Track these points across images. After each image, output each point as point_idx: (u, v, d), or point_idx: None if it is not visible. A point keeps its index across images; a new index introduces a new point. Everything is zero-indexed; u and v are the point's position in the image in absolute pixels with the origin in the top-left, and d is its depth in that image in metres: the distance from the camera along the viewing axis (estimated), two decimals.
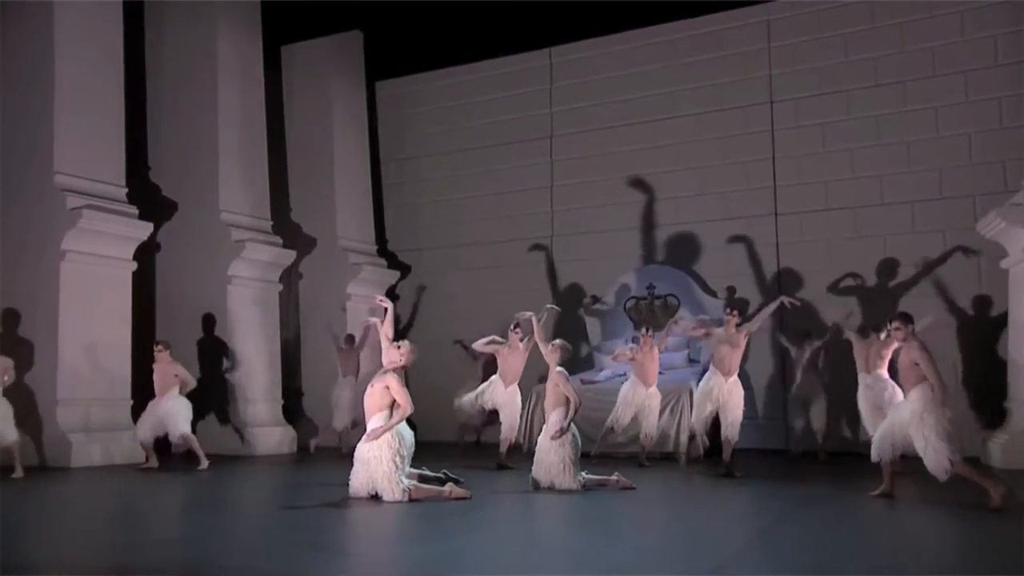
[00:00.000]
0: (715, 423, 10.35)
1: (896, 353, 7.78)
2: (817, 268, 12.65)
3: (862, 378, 9.39)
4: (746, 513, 6.91)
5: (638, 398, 10.69)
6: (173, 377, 10.05)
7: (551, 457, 7.79)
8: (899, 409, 6.93)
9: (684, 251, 13.44)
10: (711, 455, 11.19)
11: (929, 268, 11.83)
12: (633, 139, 13.94)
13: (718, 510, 7.11)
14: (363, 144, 15.25)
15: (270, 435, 12.28)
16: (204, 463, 9.88)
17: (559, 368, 8.02)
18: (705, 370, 12.12)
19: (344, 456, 11.30)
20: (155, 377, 10.05)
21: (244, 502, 7.65)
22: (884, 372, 9.23)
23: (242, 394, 12.19)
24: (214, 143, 12.71)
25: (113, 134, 11.41)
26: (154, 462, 9.94)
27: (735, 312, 9.65)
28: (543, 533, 6.06)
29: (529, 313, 9.29)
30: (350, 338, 12.48)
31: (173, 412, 9.91)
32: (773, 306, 9.94)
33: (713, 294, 13.14)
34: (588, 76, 14.36)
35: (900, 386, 7.17)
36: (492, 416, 11.02)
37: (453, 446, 12.49)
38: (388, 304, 7.94)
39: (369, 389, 7.24)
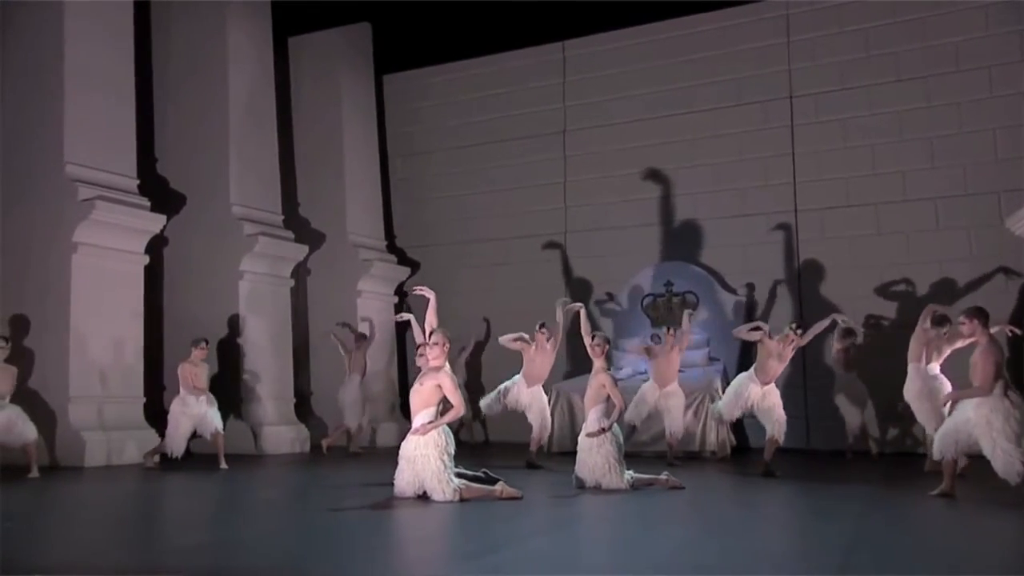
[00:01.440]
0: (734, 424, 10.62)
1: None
2: (838, 265, 12.58)
3: (915, 368, 9.11)
4: (818, 512, 6.71)
5: (652, 397, 10.62)
6: (207, 377, 9.98)
7: (594, 457, 7.61)
8: (963, 408, 6.78)
9: (702, 248, 13.31)
10: (735, 453, 11.25)
11: (975, 285, 11.69)
12: (648, 134, 13.81)
13: (786, 509, 6.98)
14: (372, 138, 15.03)
15: (282, 434, 12.04)
16: (224, 463, 9.72)
17: (607, 370, 7.80)
18: (725, 368, 12.20)
19: (352, 456, 11.19)
20: (192, 375, 9.81)
21: (288, 504, 7.36)
22: (937, 367, 9.06)
23: (254, 393, 11.93)
24: (224, 135, 12.45)
25: (124, 124, 11.16)
26: (154, 462, 9.74)
27: (799, 331, 9.41)
28: (623, 533, 5.85)
29: (579, 304, 9.13)
30: (360, 336, 12.26)
31: (213, 410, 9.82)
32: (825, 323, 9.75)
33: (732, 291, 13.02)
34: (602, 70, 14.21)
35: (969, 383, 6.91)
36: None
37: (461, 445, 12.24)
38: (430, 294, 7.72)
39: (417, 387, 7.04)
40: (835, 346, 11.29)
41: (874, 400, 11.19)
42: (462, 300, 14.63)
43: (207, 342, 10.13)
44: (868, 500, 7.13)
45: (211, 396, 9.92)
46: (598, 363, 7.79)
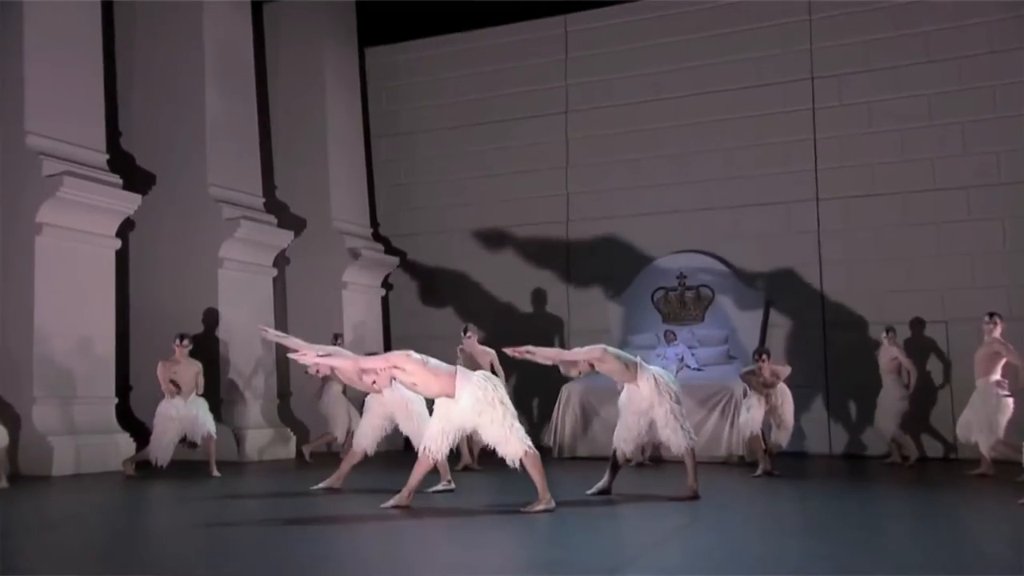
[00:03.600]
0: None
1: None
2: (863, 258, 12.26)
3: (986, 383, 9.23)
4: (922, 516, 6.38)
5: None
6: (194, 376, 9.28)
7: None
8: None
9: (717, 238, 12.88)
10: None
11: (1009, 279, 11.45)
12: (658, 116, 13.37)
13: (890, 515, 6.59)
14: (357, 115, 14.39)
15: (267, 439, 11.34)
16: (216, 470, 9.13)
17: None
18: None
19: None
20: (176, 375, 9.22)
21: (331, 518, 6.65)
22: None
23: (236, 393, 11.20)
24: (200, 107, 11.73)
25: (91, 92, 10.44)
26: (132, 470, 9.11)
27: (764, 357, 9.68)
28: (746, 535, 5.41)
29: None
30: (337, 336, 11.52)
31: (204, 412, 9.24)
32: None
33: (750, 284, 12.62)
34: (608, 47, 13.71)
35: None
36: None
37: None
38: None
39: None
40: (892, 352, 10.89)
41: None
42: (452, 294, 14.10)
43: (187, 337, 9.45)
44: (967, 507, 6.77)
45: (202, 400, 9.36)
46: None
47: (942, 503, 7.35)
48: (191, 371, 9.31)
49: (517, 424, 6.27)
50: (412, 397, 7.34)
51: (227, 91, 12.02)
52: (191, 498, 7.60)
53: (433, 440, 6.40)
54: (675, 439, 7.06)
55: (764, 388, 9.57)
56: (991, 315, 9.41)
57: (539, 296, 13.67)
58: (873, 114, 12.39)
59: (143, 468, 9.13)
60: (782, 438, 9.69)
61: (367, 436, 7.79)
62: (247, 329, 11.58)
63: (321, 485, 7.79)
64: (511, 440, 6.17)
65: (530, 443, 6.27)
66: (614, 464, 7.39)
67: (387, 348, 13.92)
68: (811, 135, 12.64)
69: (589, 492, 7.32)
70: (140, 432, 10.19)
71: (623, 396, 7.30)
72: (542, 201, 13.84)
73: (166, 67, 11.86)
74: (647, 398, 7.05)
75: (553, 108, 13.97)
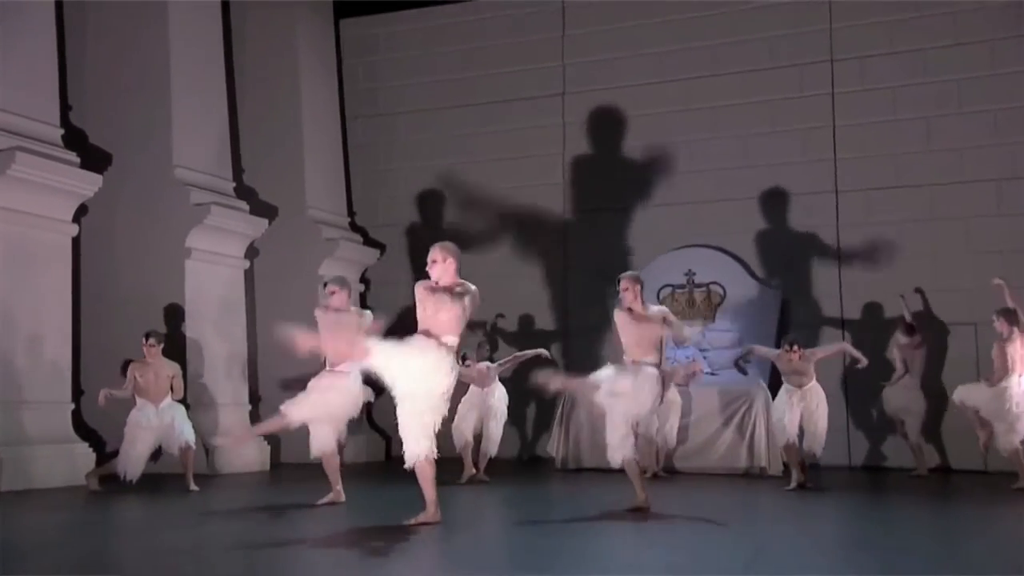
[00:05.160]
0: None
1: None
2: (885, 254, 11.90)
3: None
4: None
5: None
6: (168, 379, 8.64)
7: None
8: None
9: (728, 232, 12.46)
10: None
11: None
12: (664, 100, 12.87)
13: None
14: (333, 93, 13.70)
15: (239, 449, 10.62)
16: (193, 484, 8.56)
17: None
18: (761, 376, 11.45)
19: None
20: (145, 378, 8.61)
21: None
22: None
23: (206, 398, 10.48)
24: (164, 78, 10.92)
25: (44, 59, 9.63)
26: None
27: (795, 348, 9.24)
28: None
29: None
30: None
31: (181, 420, 8.62)
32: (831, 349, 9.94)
33: (765, 282, 12.23)
34: (609, 23, 13.17)
35: None
36: None
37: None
38: None
39: None
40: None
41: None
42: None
43: (153, 336, 8.80)
44: None
45: (178, 406, 8.79)
46: None
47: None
48: (163, 374, 8.67)
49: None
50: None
51: (194, 61, 11.24)
52: (171, 516, 6.95)
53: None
54: None
55: (798, 377, 9.11)
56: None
57: (533, 295, 13.14)
58: (897, 100, 12.03)
59: (109, 482, 8.46)
60: (816, 447, 9.24)
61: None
62: (217, 327, 10.91)
63: (324, 500, 7.39)
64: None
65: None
66: None
67: None
68: (830, 122, 12.25)
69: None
70: (95, 442, 9.54)
71: None
72: (536, 191, 13.28)
73: (123, 31, 11.00)
74: None
75: (549, 89, 13.41)
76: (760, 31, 12.59)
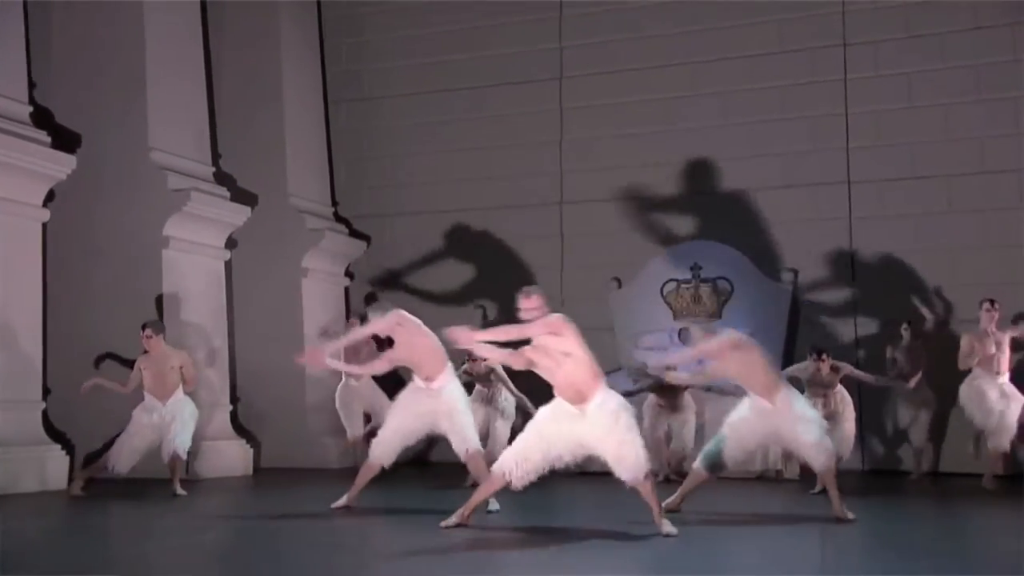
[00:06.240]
0: None
1: None
2: (900, 248, 11.73)
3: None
4: None
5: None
6: (174, 370, 8.34)
7: None
8: None
9: (736, 224, 12.20)
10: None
11: None
12: (667, 85, 12.58)
13: None
14: (317, 75, 13.30)
15: (222, 452, 10.22)
16: (179, 488, 8.28)
17: None
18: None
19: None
20: (150, 372, 8.34)
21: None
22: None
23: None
24: (138, 53, 10.48)
25: (11, 32, 9.18)
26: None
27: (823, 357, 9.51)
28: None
29: None
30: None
31: (181, 425, 8.32)
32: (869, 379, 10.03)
33: (774, 277, 12.00)
34: (610, 3, 12.93)
35: None
36: None
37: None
38: None
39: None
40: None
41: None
42: (426, 286, 13.15)
43: (151, 327, 8.49)
44: None
45: (188, 403, 8.50)
46: None
47: None
48: (169, 366, 8.35)
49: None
50: (460, 396, 6.88)
51: (170, 37, 10.81)
52: (166, 522, 6.59)
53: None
54: None
55: (822, 388, 9.08)
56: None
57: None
58: (913, 86, 11.83)
59: (88, 487, 8.16)
60: (844, 449, 9.13)
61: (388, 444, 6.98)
62: (197, 322, 10.47)
63: (339, 503, 7.17)
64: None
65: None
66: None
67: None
68: (843, 109, 12.03)
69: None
70: (66, 445, 9.11)
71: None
72: (532, 180, 12.98)
73: (94, 5, 10.57)
74: None
75: (545, 73, 13.07)
76: (769, 13, 12.31)
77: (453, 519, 6.16)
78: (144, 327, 8.42)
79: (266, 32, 12.61)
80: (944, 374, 10.52)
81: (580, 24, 13.03)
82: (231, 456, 10.37)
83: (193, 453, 9.74)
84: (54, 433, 9.31)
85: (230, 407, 10.86)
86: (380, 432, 7.14)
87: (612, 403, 5.87)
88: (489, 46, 13.29)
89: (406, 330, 6.93)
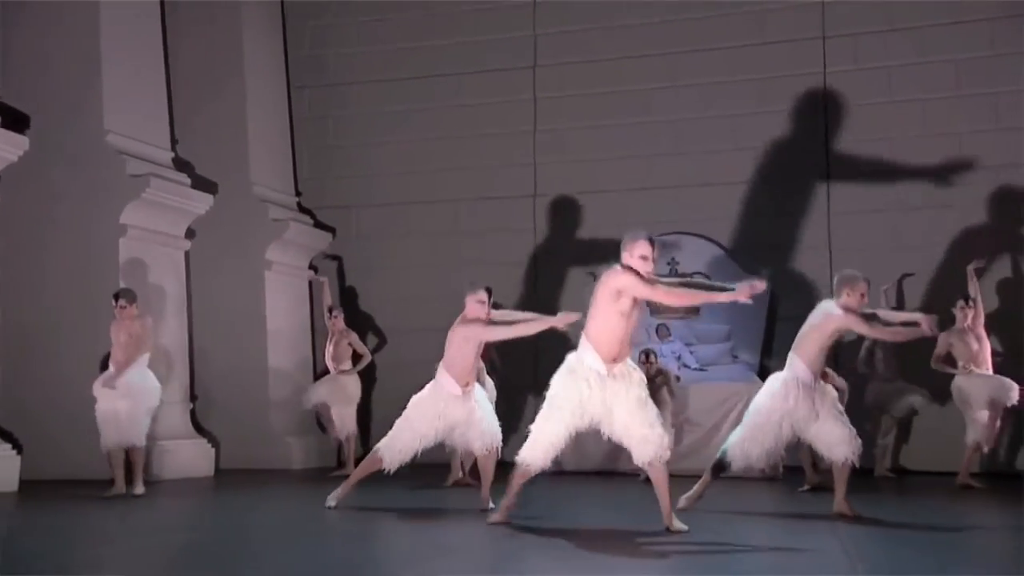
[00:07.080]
0: None
1: None
2: (878, 244, 11.69)
3: None
4: None
5: None
6: (136, 339, 8.13)
7: None
8: None
9: (713, 218, 12.14)
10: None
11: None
12: (644, 75, 12.48)
13: None
14: (279, 59, 12.98)
15: (183, 452, 9.90)
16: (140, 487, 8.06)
17: None
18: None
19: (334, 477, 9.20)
20: (116, 338, 8.22)
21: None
22: None
23: None
24: (93, 32, 10.09)
25: None
26: (121, 486, 7.98)
27: None
28: None
29: None
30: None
31: (136, 406, 8.02)
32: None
33: (753, 273, 11.91)
34: None
35: None
36: None
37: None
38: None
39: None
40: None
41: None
42: (393, 279, 12.91)
43: (124, 297, 8.31)
44: None
45: (147, 373, 8.23)
46: None
47: None
48: (130, 333, 8.14)
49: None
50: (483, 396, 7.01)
51: (127, 15, 10.42)
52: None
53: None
54: None
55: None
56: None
57: (499, 287, 12.63)
58: (893, 81, 11.84)
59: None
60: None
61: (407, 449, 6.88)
62: (155, 315, 10.11)
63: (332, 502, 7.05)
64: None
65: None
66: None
67: (314, 344, 12.66)
68: (821, 103, 12.02)
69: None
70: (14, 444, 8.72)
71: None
72: (504, 171, 12.82)
73: None
74: None
75: (519, 61, 12.88)
76: (748, 5, 12.33)
77: (497, 516, 6.28)
78: (118, 297, 8.23)
79: (226, 14, 12.25)
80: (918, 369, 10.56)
81: (555, 11, 12.86)
82: (192, 456, 10.04)
83: (150, 451, 9.45)
84: (1, 432, 8.94)
85: (191, 405, 10.52)
86: (397, 435, 6.89)
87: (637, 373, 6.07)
88: (459, 32, 13.09)
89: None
